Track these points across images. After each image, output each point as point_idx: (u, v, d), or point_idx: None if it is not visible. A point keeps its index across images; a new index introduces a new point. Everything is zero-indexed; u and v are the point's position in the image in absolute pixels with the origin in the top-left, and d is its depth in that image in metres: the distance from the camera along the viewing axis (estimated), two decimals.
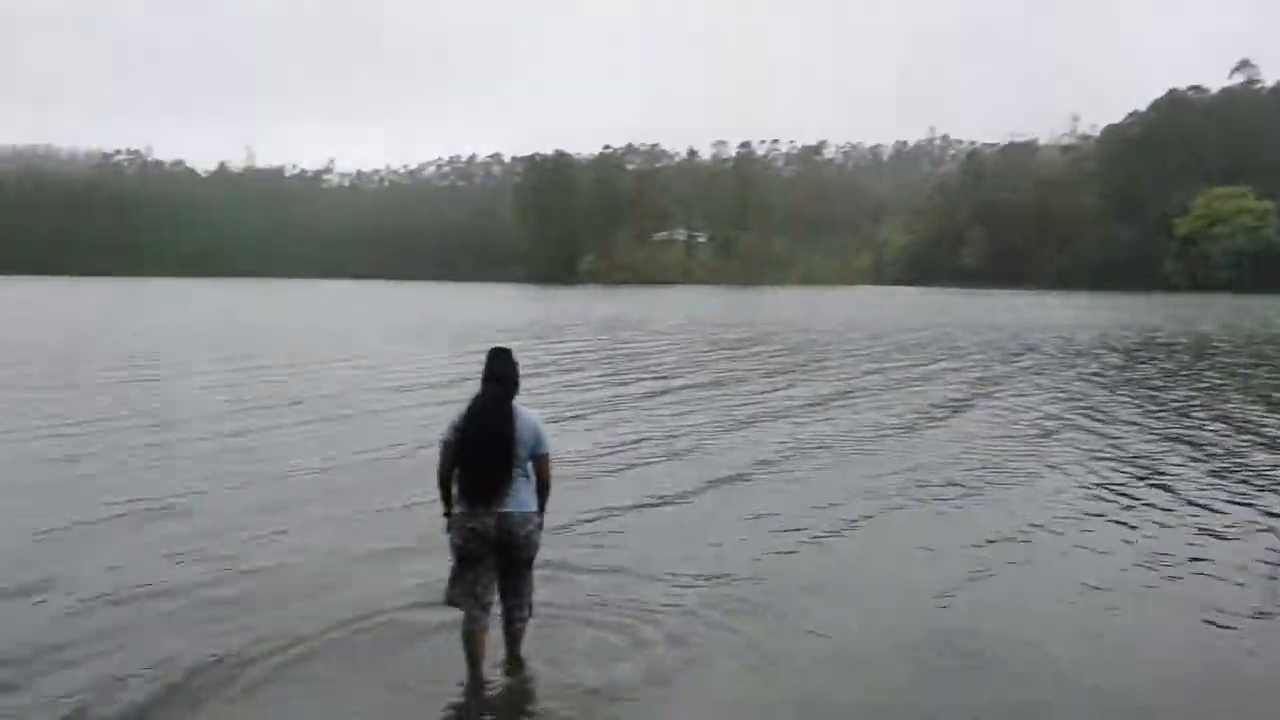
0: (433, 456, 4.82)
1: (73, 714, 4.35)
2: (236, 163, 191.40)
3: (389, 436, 11.64)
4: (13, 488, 9.01)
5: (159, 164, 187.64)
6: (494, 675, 4.76)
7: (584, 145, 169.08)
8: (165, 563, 6.63)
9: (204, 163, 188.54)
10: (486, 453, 4.47)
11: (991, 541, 7.56)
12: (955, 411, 14.86)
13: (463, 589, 4.61)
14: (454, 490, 4.59)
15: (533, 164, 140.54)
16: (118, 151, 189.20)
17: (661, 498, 8.74)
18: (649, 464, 10.36)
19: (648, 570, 6.50)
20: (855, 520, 8.14)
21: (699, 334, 33.68)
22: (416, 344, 26.80)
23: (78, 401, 14.66)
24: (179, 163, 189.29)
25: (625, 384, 18.04)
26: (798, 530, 7.77)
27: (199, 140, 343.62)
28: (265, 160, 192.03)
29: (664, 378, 19.21)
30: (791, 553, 7.19)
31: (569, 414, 13.76)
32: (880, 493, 9.15)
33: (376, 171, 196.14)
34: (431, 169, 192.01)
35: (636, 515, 8.13)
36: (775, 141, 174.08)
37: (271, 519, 7.84)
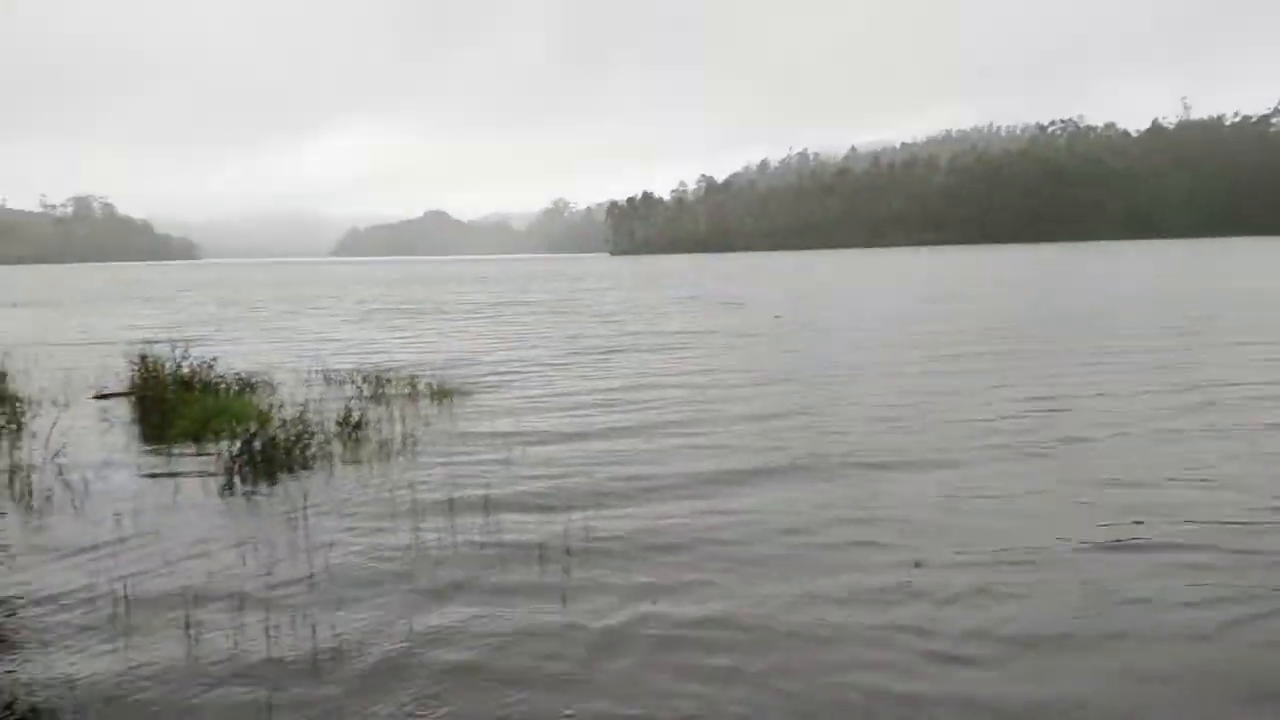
0: None
1: None
2: (1170, 117, 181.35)
3: None
4: None
5: (1090, 129, 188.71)
6: None
7: None
8: None
9: (1136, 122, 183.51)
10: None
11: None
12: None
13: None
14: None
15: None
16: (1052, 123, 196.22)
17: None
18: None
19: None
20: None
21: None
22: None
23: None
24: (1110, 125, 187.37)
25: None
26: None
27: (1132, 100, 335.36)
28: (1203, 111, 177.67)
29: None
30: None
31: None
32: None
33: None
34: None
35: None
36: None
37: None
